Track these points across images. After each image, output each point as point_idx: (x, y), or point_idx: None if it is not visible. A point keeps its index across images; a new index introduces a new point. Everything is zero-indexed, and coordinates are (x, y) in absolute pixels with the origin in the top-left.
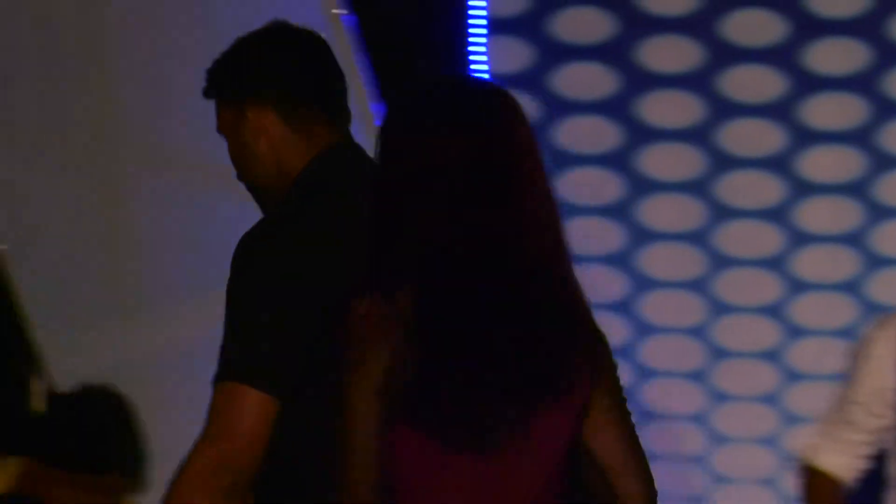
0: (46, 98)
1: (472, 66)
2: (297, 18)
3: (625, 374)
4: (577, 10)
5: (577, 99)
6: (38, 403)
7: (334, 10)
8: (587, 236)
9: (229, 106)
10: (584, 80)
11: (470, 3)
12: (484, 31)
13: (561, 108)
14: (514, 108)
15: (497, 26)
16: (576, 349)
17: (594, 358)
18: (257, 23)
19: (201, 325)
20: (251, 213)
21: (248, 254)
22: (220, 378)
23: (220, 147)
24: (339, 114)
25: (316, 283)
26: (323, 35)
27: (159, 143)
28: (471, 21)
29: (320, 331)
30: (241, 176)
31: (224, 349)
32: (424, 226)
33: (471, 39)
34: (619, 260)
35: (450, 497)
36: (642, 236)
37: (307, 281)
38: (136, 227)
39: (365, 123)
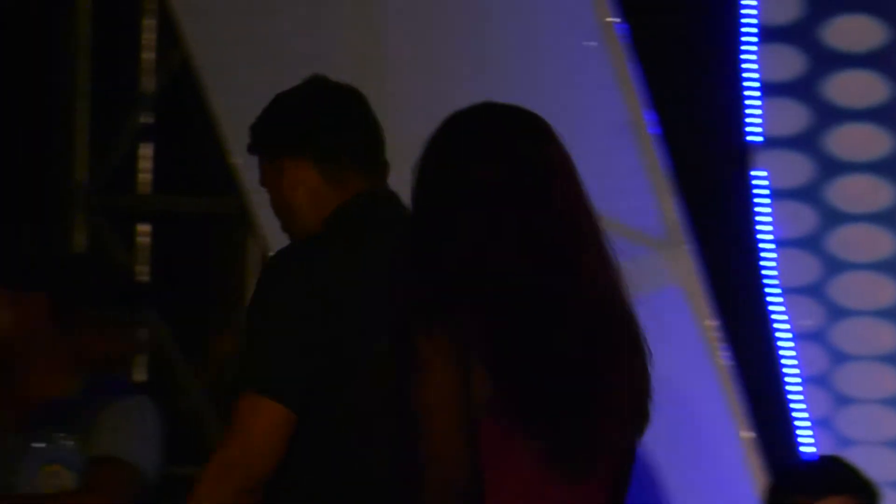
0: None
1: (744, 74)
2: (571, 27)
3: None
4: (848, 18)
5: (848, 107)
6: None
7: (608, 19)
8: (858, 243)
9: (270, 160)
10: (856, 87)
11: (741, 10)
12: (755, 38)
13: (832, 115)
14: (544, 131)
15: (768, 34)
16: (644, 371)
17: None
18: (532, 36)
19: None
20: None
21: (273, 272)
22: (242, 388)
23: None
24: (373, 164)
25: (338, 304)
26: (594, 44)
27: None
28: (742, 29)
29: (341, 350)
30: (284, 226)
31: (244, 361)
32: (468, 248)
33: (742, 47)
34: (889, 266)
35: None
36: None
37: (328, 301)
38: None
39: (638, 131)
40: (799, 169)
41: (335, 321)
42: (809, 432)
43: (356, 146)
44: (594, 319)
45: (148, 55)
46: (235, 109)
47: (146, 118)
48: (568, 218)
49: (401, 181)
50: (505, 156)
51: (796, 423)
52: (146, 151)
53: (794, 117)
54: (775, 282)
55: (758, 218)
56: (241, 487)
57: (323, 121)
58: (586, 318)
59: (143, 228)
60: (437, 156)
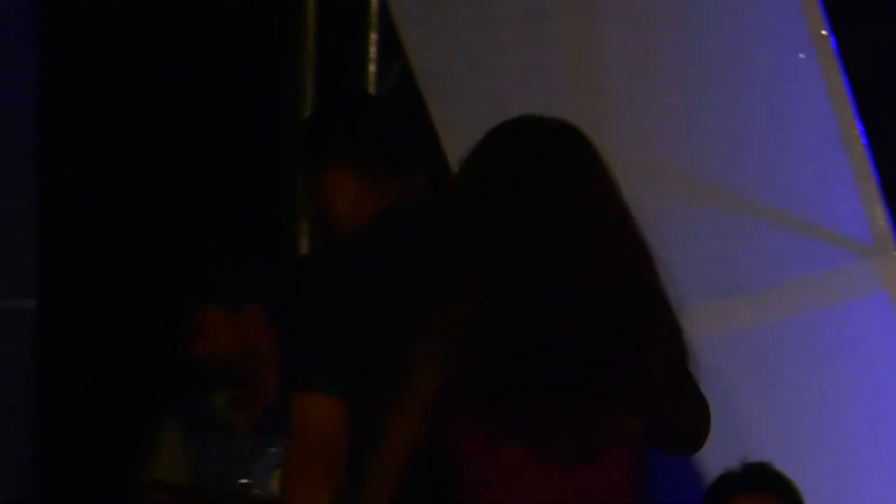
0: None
1: None
2: (784, 39)
3: None
4: None
5: None
6: None
7: (821, 32)
8: None
9: (311, 168)
10: None
11: None
12: None
13: None
14: (573, 136)
15: None
16: (652, 365)
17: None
18: (746, 47)
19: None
20: (727, 233)
21: (309, 273)
22: (291, 389)
23: (707, 161)
24: (408, 169)
25: (370, 301)
26: (804, 56)
27: (649, 157)
28: None
29: (378, 342)
30: (321, 230)
31: (290, 361)
32: (492, 242)
33: None
34: None
35: None
36: None
37: (361, 299)
38: None
39: (849, 141)
40: None
41: (369, 318)
42: None
43: (392, 153)
44: (595, 320)
45: (372, 67)
46: (454, 116)
47: None
48: (589, 224)
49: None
50: (532, 164)
51: None
52: None
53: None
54: None
55: None
56: (320, 473)
57: (362, 129)
58: (587, 320)
59: None
60: (469, 165)
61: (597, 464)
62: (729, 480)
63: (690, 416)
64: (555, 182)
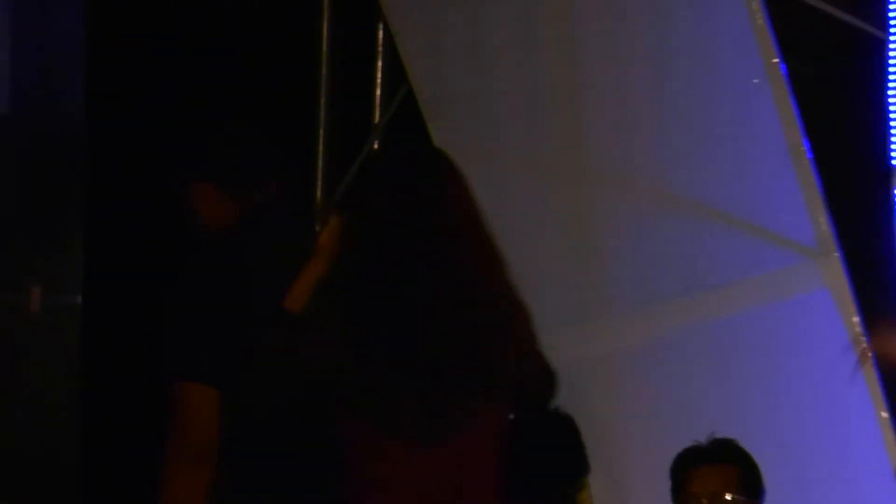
0: (531, 133)
1: (890, 106)
2: (741, 67)
3: None
4: None
5: None
6: None
7: (772, 60)
8: None
9: (183, 182)
10: None
11: (889, 51)
12: None
13: None
14: (448, 169)
15: None
16: (506, 357)
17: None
18: (707, 74)
19: (649, 330)
20: (691, 236)
21: (184, 272)
22: (174, 379)
23: (674, 173)
24: (260, 183)
25: (237, 294)
26: (757, 81)
27: (624, 168)
28: (889, 66)
29: (242, 335)
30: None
31: (171, 352)
32: (371, 253)
33: (889, 83)
34: None
35: (398, 485)
36: None
37: (231, 293)
38: (599, 241)
39: (796, 156)
40: None
41: (237, 312)
42: None
43: (245, 171)
44: (457, 323)
45: (378, 91)
46: (452, 136)
47: (376, 145)
48: (454, 242)
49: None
50: (403, 190)
51: None
52: None
53: None
54: None
55: None
56: (194, 457)
57: (217, 153)
58: (450, 322)
59: None
60: (360, 186)
61: (458, 444)
62: (694, 452)
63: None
64: (427, 212)
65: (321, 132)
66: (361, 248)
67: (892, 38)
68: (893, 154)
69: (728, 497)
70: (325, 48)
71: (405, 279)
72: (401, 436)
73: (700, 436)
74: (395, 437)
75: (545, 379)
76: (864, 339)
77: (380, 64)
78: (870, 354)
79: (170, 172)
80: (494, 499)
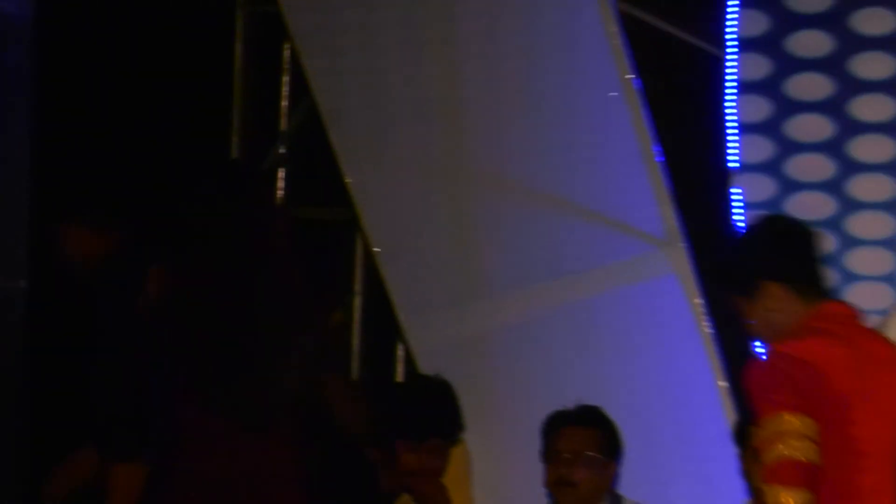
0: (416, 137)
1: (726, 117)
2: (600, 81)
3: None
4: (805, 75)
5: (805, 141)
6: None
7: (627, 76)
8: None
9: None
10: (810, 127)
11: (726, 69)
12: (735, 90)
13: (792, 148)
14: (261, 193)
15: (745, 87)
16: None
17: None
18: (570, 89)
19: (520, 311)
20: (556, 228)
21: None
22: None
23: (541, 173)
24: (116, 225)
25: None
26: (615, 94)
27: (498, 168)
28: (726, 83)
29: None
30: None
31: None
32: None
33: (726, 97)
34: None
35: (221, 460)
36: None
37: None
38: (477, 232)
39: (647, 159)
40: (765, 188)
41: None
42: None
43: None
44: (268, 336)
45: (284, 102)
46: (349, 142)
47: (282, 149)
48: (263, 259)
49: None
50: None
51: None
52: (282, 174)
53: (763, 150)
54: None
55: (736, 224)
56: None
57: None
58: (259, 331)
59: None
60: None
61: (270, 433)
62: (561, 416)
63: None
64: (253, 240)
65: (234, 138)
66: (200, 272)
67: (728, 56)
68: (731, 158)
69: (589, 454)
70: (238, 65)
71: (237, 295)
72: (229, 419)
73: (566, 402)
74: (225, 420)
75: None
76: (705, 318)
77: (286, 79)
78: (710, 332)
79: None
80: (298, 486)
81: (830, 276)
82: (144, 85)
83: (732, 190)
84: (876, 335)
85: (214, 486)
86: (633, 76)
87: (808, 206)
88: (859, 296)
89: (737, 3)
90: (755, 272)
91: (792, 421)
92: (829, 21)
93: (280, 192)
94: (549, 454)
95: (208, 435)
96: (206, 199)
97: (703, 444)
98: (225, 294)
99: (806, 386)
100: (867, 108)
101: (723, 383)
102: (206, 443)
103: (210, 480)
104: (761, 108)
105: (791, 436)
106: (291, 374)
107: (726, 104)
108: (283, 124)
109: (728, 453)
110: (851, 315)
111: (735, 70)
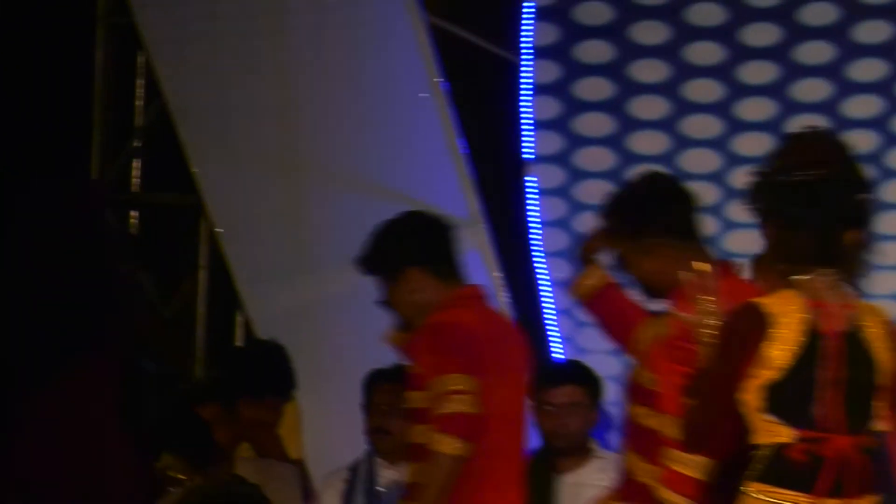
0: (254, 135)
1: (522, 113)
2: (413, 83)
3: None
4: (590, 79)
5: (589, 136)
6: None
7: (435, 79)
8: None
9: None
10: (593, 124)
11: (521, 73)
12: (530, 92)
13: (578, 142)
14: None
15: (538, 89)
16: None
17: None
18: (384, 90)
19: (344, 282)
20: (375, 211)
21: None
22: None
23: (365, 164)
24: None
25: None
26: (425, 95)
27: (330, 161)
28: (521, 85)
29: None
30: None
31: None
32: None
33: (521, 97)
34: None
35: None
36: None
37: None
38: (306, 214)
39: (453, 152)
40: (556, 176)
41: None
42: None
43: None
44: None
45: (139, 102)
46: (196, 137)
47: (137, 143)
48: (96, 272)
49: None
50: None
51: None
52: (137, 164)
53: (553, 143)
54: (541, 250)
55: (529, 208)
56: None
57: None
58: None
59: (134, 214)
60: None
61: (84, 375)
62: (379, 373)
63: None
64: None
65: (95, 134)
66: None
67: (523, 62)
68: (526, 151)
69: (403, 406)
70: (98, 70)
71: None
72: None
73: (383, 362)
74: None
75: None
76: (503, 291)
77: (140, 81)
78: (507, 303)
79: None
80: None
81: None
82: (14, 89)
83: (528, 178)
84: (501, 314)
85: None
86: (441, 79)
87: (593, 193)
88: None
89: (531, 15)
90: (399, 259)
91: (459, 379)
92: (610, 32)
93: (136, 181)
94: (369, 406)
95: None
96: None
97: None
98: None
99: (465, 349)
100: (644, 107)
101: None
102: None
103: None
104: (552, 107)
105: (460, 392)
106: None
107: (522, 104)
108: (138, 121)
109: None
110: (483, 296)
111: (530, 74)
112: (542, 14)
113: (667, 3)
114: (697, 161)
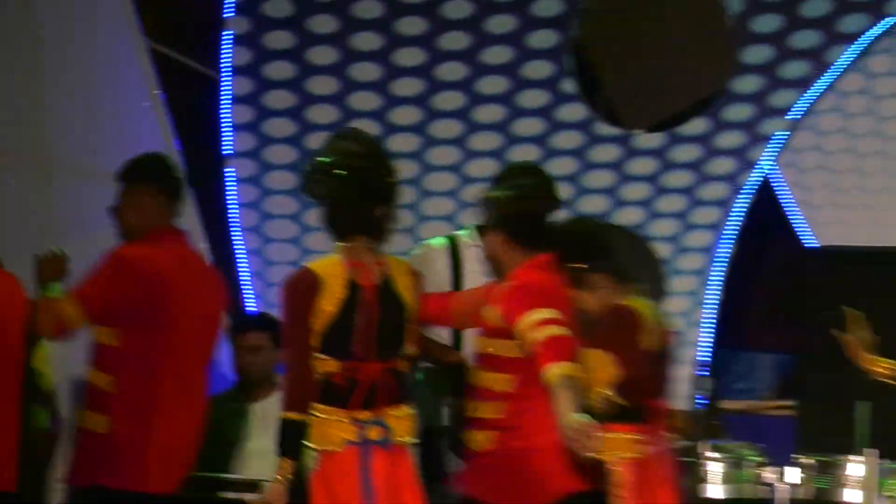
0: (4, 134)
1: (222, 117)
2: (137, 92)
3: None
4: (276, 92)
5: (275, 137)
6: None
7: (154, 91)
8: (282, 207)
9: None
10: (279, 127)
11: (222, 83)
12: (230, 100)
13: (267, 141)
14: None
15: (237, 99)
16: None
17: None
18: (112, 98)
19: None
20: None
21: None
22: None
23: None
24: None
25: None
26: (147, 103)
27: (63, 154)
28: (221, 94)
29: None
30: None
31: None
32: None
33: (222, 104)
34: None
35: None
36: None
37: None
38: (54, 203)
39: (171, 150)
40: (251, 169)
41: None
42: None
43: None
44: None
45: None
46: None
47: None
48: None
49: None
50: None
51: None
52: None
53: (248, 142)
54: (238, 226)
55: (228, 193)
56: None
57: None
58: None
59: None
60: None
61: None
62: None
63: None
64: None
65: None
66: None
67: (224, 78)
68: (226, 148)
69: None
70: None
71: None
72: None
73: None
74: None
75: None
76: (208, 256)
77: None
78: None
79: None
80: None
81: None
82: None
83: (227, 169)
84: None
85: None
86: (159, 91)
87: (279, 182)
88: None
89: (230, 41)
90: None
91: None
92: (291, 54)
93: None
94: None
95: None
96: None
97: None
98: None
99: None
100: (319, 114)
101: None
102: None
103: None
104: (246, 114)
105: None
106: None
107: (222, 111)
108: None
109: None
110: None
111: (229, 87)
112: (238, 40)
113: (336, 31)
114: None
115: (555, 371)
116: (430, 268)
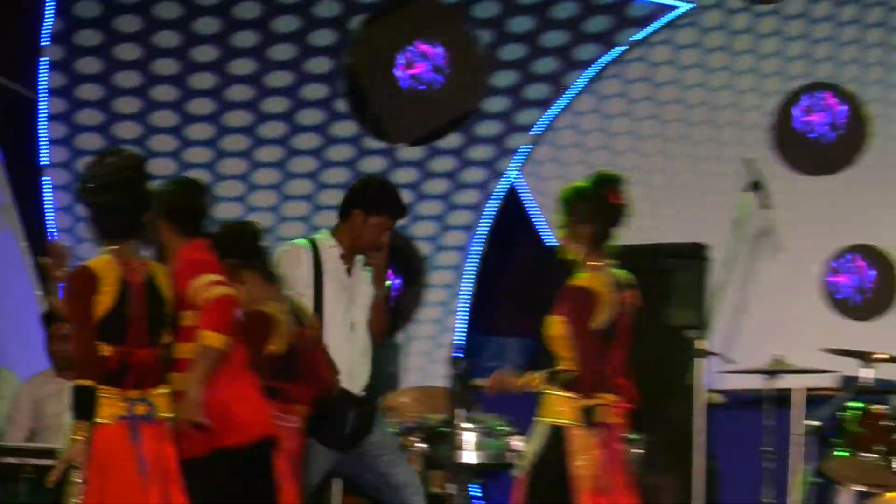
0: None
1: (40, 132)
2: None
3: None
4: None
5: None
6: None
7: None
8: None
9: None
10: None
11: (39, 102)
12: (46, 115)
13: (78, 154)
14: None
15: (52, 117)
16: None
17: None
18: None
19: None
20: None
21: None
22: None
23: None
24: None
25: None
26: None
27: None
28: (40, 110)
29: None
30: None
31: None
32: None
33: (40, 119)
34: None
35: None
36: None
37: None
38: None
39: None
40: (65, 177)
41: None
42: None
43: None
44: None
45: None
46: None
47: None
48: None
49: None
50: None
51: None
52: None
53: (62, 154)
54: (54, 226)
55: (45, 198)
56: None
57: None
58: None
59: None
60: None
61: None
62: None
63: None
64: None
65: None
66: None
67: (41, 98)
68: (42, 159)
69: None
70: None
71: None
72: None
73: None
74: None
75: None
76: (28, 254)
77: None
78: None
79: None
80: None
81: None
82: None
83: (44, 178)
84: None
85: None
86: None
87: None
88: None
89: (46, 66)
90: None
91: None
92: (99, 78)
93: None
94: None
95: None
96: None
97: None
98: None
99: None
100: (123, 130)
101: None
102: None
103: None
104: (61, 130)
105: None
106: None
107: (40, 127)
108: None
109: None
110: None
111: (45, 107)
112: (53, 66)
113: (140, 57)
114: (161, 166)
115: (207, 339)
116: (296, 264)
